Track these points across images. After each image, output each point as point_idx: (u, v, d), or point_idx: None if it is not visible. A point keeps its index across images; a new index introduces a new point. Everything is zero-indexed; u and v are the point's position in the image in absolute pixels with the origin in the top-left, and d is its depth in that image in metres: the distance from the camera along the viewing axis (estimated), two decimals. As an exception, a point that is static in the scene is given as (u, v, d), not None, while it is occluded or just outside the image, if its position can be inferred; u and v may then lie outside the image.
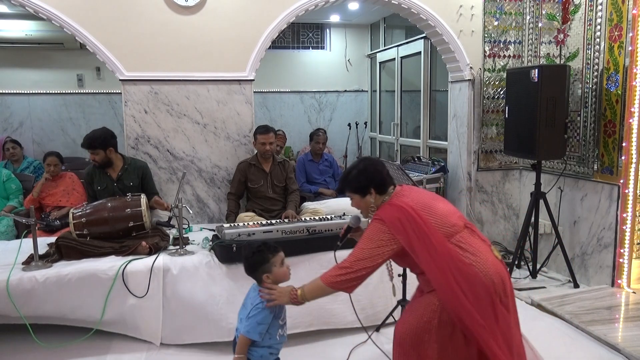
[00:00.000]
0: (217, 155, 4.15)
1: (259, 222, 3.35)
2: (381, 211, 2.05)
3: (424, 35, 5.03)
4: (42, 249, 3.12)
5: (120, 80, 3.93)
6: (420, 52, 5.52)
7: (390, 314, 3.05)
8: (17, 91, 6.38)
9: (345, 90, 7.34)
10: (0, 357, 2.87)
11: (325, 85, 7.25)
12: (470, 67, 4.43)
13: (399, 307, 3.04)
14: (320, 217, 3.50)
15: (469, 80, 4.43)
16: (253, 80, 4.15)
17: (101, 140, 3.54)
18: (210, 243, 3.20)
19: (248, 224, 3.30)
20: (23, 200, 4.36)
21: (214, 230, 3.42)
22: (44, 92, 6.45)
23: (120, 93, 4.02)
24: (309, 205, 3.99)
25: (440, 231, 1.96)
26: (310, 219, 3.40)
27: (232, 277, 3.02)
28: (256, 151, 3.99)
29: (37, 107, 6.47)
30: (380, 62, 6.80)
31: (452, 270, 1.90)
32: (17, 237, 4.00)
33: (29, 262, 3.00)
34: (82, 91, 6.56)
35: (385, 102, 6.84)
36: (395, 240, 1.97)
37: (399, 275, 2.93)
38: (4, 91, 6.34)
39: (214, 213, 4.19)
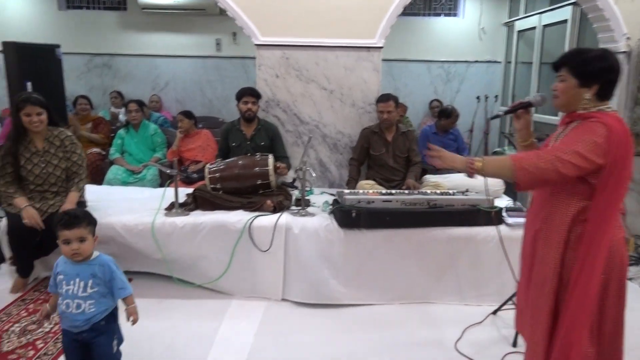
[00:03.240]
0: (342, 122, 4.20)
1: (379, 191, 3.35)
2: (605, 117, 1.71)
3: (573, 0, 4.54)
4: (181, 198, 3.44)
5: (255, 45, 4.10)
6: (566, 20, 5.00)
7: (510, 298, 2.91)
8: (164, 53, 6.99)
9: (477, 61, 6.95)
10: (142, 289, 3.24)
11: (455, 54, 6.93)
12: (627, 38, 3.92)
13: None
14: (442, 191, 3.41)
15: (624, 52, 3.94)
16: (382, 47, 4.09)
17: (258, 92, 3.93)
18: (331, 207, 3.29)
19: (368, 191, 3.32)
20: (166, 152, 4.83)
21: (334, 195, 3.50)
22: (187, 55, 7.00)
23: (253, 57, 4.21)
24: (430, 178, 3.90)
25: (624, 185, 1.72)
26: (431, 192, 3.33)
27: (349, 242, 3.08)
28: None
29: (180, 69, 7.05)
30: (518, 31, 6.29)
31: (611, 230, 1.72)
32: (161, 185, 4.46)
33: (170, 209, 3.34)
34: (219, 55, 7.00)
35: (521, 74, 6.35)
36: (604, 158, 1.65)
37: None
38: (153, 53, 6.99)
39: (335, 178, 4.28)
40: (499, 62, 6.92)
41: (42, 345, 2.58)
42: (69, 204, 3.11)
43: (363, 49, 4.07)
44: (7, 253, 3.26)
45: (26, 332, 2.72)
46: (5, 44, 4.07)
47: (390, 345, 2.68)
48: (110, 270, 2.07)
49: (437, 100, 6.62)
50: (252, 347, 2.64)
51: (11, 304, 3.05)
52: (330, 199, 3.47)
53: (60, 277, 2.03)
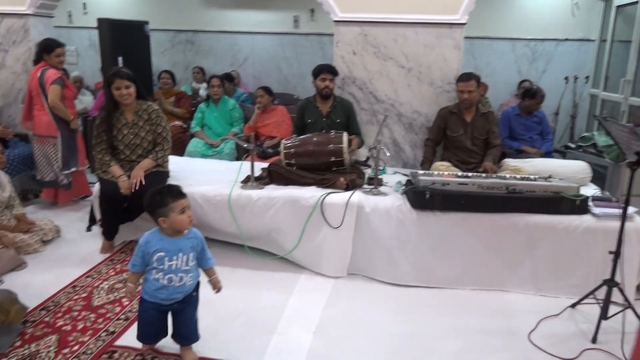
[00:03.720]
0: (419, 101, 4.10)
1: (455, 173, 3.26)
2: None
3: (686, -29, 4.09)
4: (257, 172, 3.53)
5: (334, 21, 4.07)
6: (676, -7, 4.53)
7: (592, 292, 2.74)
8: (244, 30, 7.13)
9: (567, 39, 6.49)
10: (215, 257, 3.39)
11: (543, 32, 6.50)
12: None
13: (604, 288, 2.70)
14: (522, 176, 3.25)
15: None
16: (465, 24, 3.92)
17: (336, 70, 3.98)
18: (404, 187, 3.24)
19: (443, 173, 3.24)
20: (243, 127, 4.96)
21: (407, 175, 3.45)
22: (265, 31, 7.10)
23: (330, 34, 4.18)
24: (510, 162, 3.72)
25: None
26: (510, 176, 3.19)
27: (421, 224, 3.03)
28: (459, 99, 3.83)
29: (259, 45, 7.17)
30: (617, 6, 5.78)
31: None
32: (237, 159, 4.60)
33: (246, 182, 3.44)
34: (296, 31, 7.03)
35: (617, 54, 5.84)
36: None
37: (610, 253, 2.59)
38: (233, 29, 7.16)
39: (409, 158, 4.21)
40: (593, 40, 6.41)
41: (127, 303, 2.78)
42: (139, 168, 3.29)
43: (445, 25, 3.92)
44: (98, 215, 3.52)
45: (114, 290, 2.94)
46: (100, 20, 4.32)
47: (459, 330, 2.63)
48: (202, 241, 2.19)
49: (527, 80, 6.26)
50: (320, 320, 2.69)
51: (101, 263, 3.30)
52: (403, 179, 3.43)
53: (161, 254, 2.11)
